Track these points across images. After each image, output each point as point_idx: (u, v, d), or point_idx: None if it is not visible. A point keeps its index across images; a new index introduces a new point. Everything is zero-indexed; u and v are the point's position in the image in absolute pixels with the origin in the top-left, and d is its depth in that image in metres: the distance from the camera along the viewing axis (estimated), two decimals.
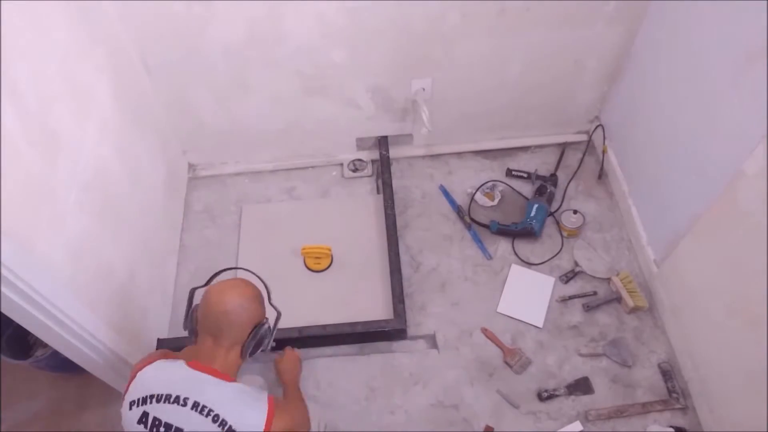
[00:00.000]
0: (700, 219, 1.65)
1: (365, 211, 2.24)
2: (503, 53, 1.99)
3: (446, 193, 2.27)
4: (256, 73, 1.97)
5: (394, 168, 2.30)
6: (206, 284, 1.35)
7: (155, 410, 1.19)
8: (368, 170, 2.35)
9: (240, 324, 1.27)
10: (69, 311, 1.37)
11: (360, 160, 2.37)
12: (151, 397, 1.20)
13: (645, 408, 1.77)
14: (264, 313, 1.33)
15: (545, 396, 1.80)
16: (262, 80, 2.00)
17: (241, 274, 1.41)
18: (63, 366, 1.72)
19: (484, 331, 1.94)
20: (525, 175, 2.28)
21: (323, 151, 2.36)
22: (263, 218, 2.24)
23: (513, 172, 2.30)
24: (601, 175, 2.26)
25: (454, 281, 2.06)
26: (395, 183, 2.25)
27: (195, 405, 1.18)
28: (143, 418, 1.19)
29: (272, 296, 1.38)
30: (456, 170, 2.35)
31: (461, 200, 2.26)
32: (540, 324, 1.94)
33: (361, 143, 2.34)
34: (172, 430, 1.17)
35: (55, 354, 1.55)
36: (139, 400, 1.20)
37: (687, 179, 1.74)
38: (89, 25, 1.60)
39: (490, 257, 2.10)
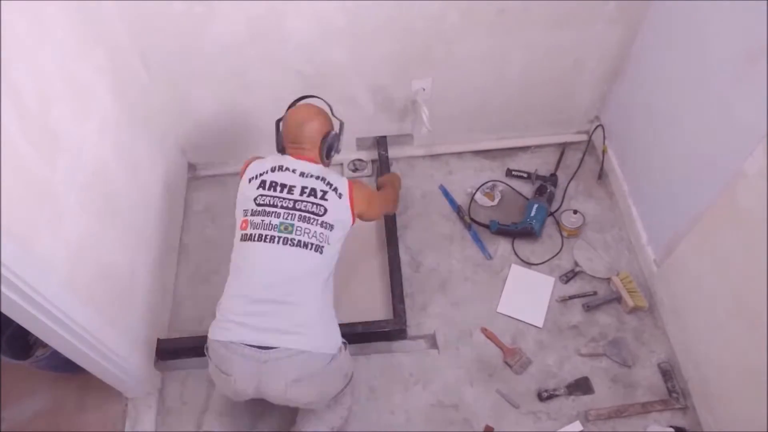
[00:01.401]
0: (700, 219, 1.65)
1: None
2: (503, 53, 1.99)
3: (446, 193, 2.27)
4: (256, 72, 1.97)
5: (394, 168, 2.30)
6: (287, 110, 1.71)
7: (271, 176, 1.58)
8: (368, 170, 2.35)
9: (312, 132, 1.63)
10: (69, 311, 1.37)
11: (360, 159, 2.37)
12: (266, 170, 1.59)
13: (645, 408, 1.77)
14: (331, 125, 1.68)
15: (545, 396, 1.80)
16: (262, 80, 2.00)
17: (310, 100, 1.74)
18: (63, 366, 1.72)
19: (484, 331, 1.94)
20: (525, 175, 2.28)
21: None
22: None
23: (513, 172, 2.30)
24: (601, 175, 2.26)
25: (454, 281, 2.06)
26: None
27: (301, 173, 1.58)
28: (262, 184, 1.57)
29: (334, 110, 1.73)
30: (456, 170, 2.35)
31: (461, 200, 2.26)
32: (540, 324, 1.94)
33: (360, 143, 2.34)
34: (287, 187, 1.56)
35: (55, 354, 1.55)
36: (257, 174, 1.59)
37: (687, 179, 1.74)
38: (89, 25, 1.60)
39: (490, 257, 2.10)
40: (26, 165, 1.26)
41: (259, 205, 1.55)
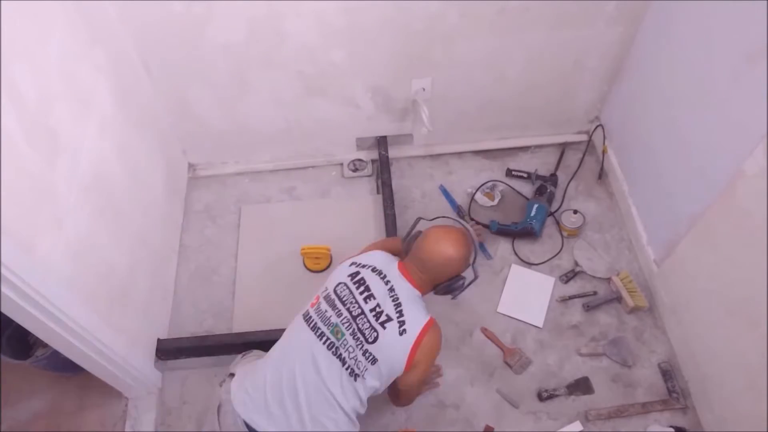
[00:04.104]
0: (700, 219, 1.65)
1: (365, 211, 2.23)
2: (503, 53, 1.99)
3: (446, 193, 2.27)
4: (256, 73, 1.97)
5: (394, 168, 2.30)
6: (433, 220, 1.62)
7: (366, 273, 1.50)
8: (368, 170, 2.35)
9: (442, 272, 1.49)
10: (69, 311, 1.37)
11: (360, 160, 2.37)
12: (369, 266, 1.52)
13: (645, 408, 1.77)
14: (463, 269, 1.52)
15: (545, 396, 1.80)
16: (262, 80, 2.00)
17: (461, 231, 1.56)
18: (63, 366, 1.72)
19: (484, 331, 1.94)
20: (525, 175, 2.28)
21: (323, 151, 2.36)
22: (262, 218, 2.24)
23: (513, 172, 2.30)
24: (601, 175, 2.26)
25: None
26: (395, 183, 2.24)
27: (391, 289, 1.47)
28: (353, 276, 1.50)
29: (476, 260, 1.58)
30: (456, 170, 2.35)
31: (461, 200, 2.26)
32: (540, 324, 1.94)
33: (360, 143, 2.34)
34: (369, 290, 1.47)
35: (55, 354, 1.54)
36: (359, 263, 1.53)
37: (687, 179, 1.74)
38: (89, 25, 1.60)
39: (490, 257, 2.10)
40: (26, 165, 1.26)
41: (335, 293, 1.49)
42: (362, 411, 1.49)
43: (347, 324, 1.44)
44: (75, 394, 1.87)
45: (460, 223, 1.61)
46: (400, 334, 1.42)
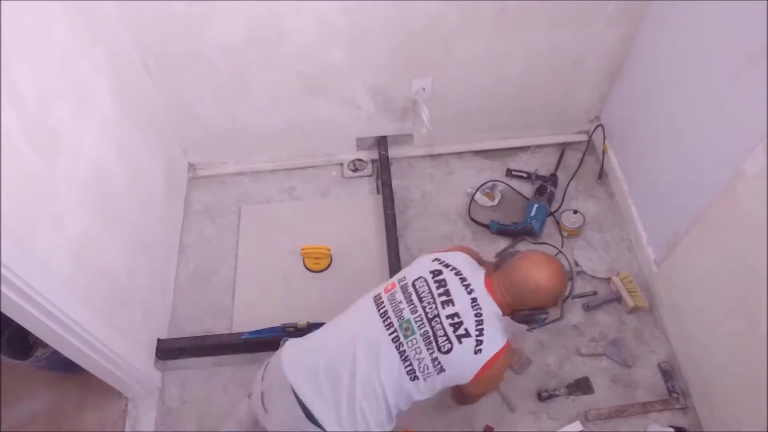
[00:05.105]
0: (700, 219, 1.65)
1: (365, 211, 2.23)
2: (503, 53, 1.99)
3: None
4: (256, 73, 1.97)
5: (394, 168, 2.30)
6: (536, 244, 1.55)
7: (448, 276, 1.41)
8: (368, 170, 2.35)
9: (529, 298, 1.41)
10: (69, 311, 1.36)
11: (360, 160, 2.37)
12: (453, 268, 1.43)
13: (645, 408, 1.77)
14: (551, 304, 1.45)
15: (545, 396, 1.80)
16: (262, 80, 2.00)
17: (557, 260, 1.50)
18: (63, 366, 1.72)
19: None
20: (525, 175, 2.28)
21: (323, 151, 2.36)
22: (262, 218, 2.24)
23: (513, 172, 2.30)
24: (601, 175, 2.26)
25: None
26: (395, 183, 2.25)
27: (474, 300, 1.38)
28: (436, 273, 1.42)
29: (566, 300, 1.52)
30: (456, 170, 2.35)
31: (461, 200, 2.25)
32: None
33: (360, 143, 2.34)
34: (449, 295, 1.38)
35: (55, 354, 1.54)
36: (443, 261, 1.44)
37: (687, 179, 1.74)
38: (89, 25, 1.60)
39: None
40: (26, 165, 1.26)
41: (413, 287, 1.41)
42: (405, 410, 1.43)
43: (420, 323, 1.36)
44: (75, 394, 1.86)
45: (566, 259, 1.55)
46: (475, 353, 1.34)
